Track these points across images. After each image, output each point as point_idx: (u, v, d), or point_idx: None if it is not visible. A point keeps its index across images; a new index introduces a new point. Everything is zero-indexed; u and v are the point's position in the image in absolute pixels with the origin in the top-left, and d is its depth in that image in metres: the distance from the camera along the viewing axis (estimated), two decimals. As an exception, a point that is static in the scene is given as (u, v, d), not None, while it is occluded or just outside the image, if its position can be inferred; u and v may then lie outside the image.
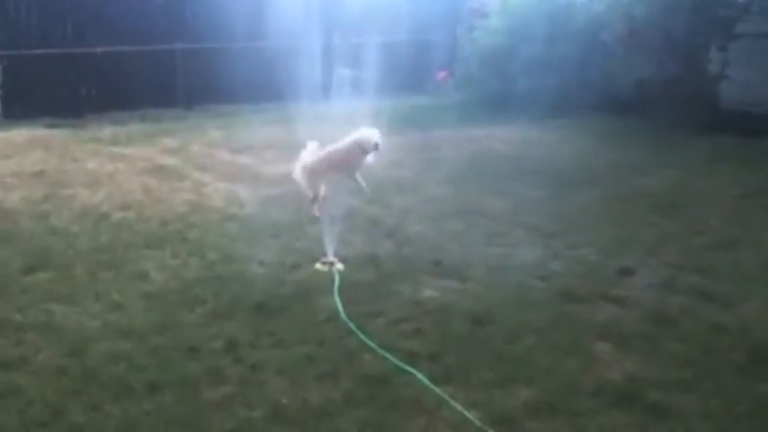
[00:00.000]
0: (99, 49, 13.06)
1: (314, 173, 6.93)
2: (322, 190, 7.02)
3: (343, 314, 5.31)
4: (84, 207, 7.90)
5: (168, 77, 13.77)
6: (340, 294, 5.65)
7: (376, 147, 6.74)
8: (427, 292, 5.74)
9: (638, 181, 9.00)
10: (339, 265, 6.25)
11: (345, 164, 6.91)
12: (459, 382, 4.41)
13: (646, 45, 12.46)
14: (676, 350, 4.80)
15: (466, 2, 16.08)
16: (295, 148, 10.44)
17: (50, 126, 11.91)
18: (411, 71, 15.80)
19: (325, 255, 6.36)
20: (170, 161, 9.96)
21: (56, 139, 11.14)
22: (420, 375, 4.45)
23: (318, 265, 6.27)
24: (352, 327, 5.11)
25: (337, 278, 5.96)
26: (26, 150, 10.43)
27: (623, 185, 8.79)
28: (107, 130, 11.85)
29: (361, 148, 6.77)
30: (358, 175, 6.97)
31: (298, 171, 7.00)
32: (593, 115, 12.75)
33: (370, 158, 6.86)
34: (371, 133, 6.74)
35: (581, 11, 13.57)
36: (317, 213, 7.01)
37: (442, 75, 16.16)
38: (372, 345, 4.84)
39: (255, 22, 14.27)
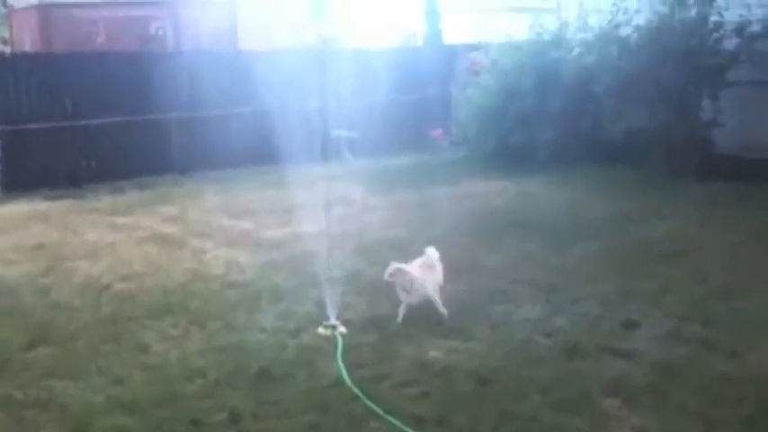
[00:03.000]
0: (95, 121, 13.21)
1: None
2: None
3: (347, 379, 5.27)
4: (86, 279, 7.88)
5: (164, 145, 13.88)
6: (343, 358, 5.62)
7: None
8: (432, 353, 5.71)
9: (635, 231, 9.01)
10: (342, 329, 6.22)
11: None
12: (467, 446, 4.36)
13: (636, 96, 12.61)
14: (685, 403, 4.75)
15: (459, 60, 16.30)
16: (292, 211, 10.59)
17: (50, 198, 11.97)
18: (406, 130, 15.94)
19: (327, 318, 6.35)
20: (169, 229, 9.97)
21: (55, 212, 11.18)
22: (427, 440, 4.40)
23: (321, 329, 6.24)
24: (357, 392, 5.06)
25: (340, 342, 5.93)
26: (26, 224, 10.45)
27: (621, 236, 8.80)
28: (106, 200, 11.90)
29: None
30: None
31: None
32: (586, 166, 12.81)
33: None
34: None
35: (571, 65, 13.75)
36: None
37: (437, 132, 16.31)
38: (378, 410, 4.79)
39: (248, 87, 14.44)
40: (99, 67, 13.31)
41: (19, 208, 11.50)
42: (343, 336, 6.07)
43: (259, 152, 14.14)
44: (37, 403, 5.11)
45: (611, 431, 4.46)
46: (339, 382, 5.25)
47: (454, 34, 18.76)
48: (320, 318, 6.38)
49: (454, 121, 15.97)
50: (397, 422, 4.62)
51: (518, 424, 4.56)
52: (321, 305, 6.62)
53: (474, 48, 15.92)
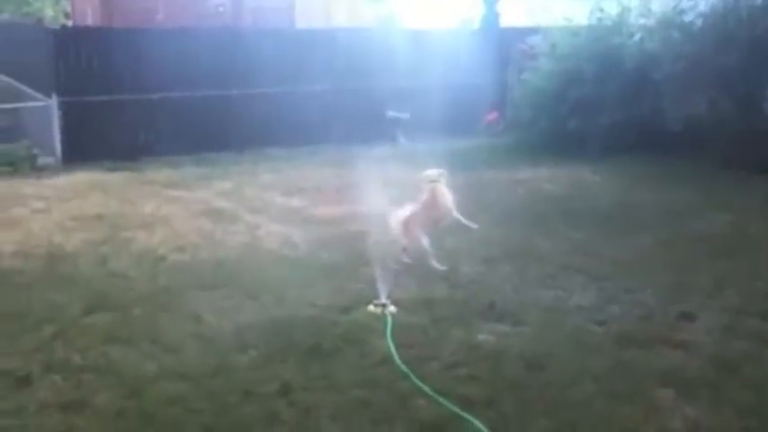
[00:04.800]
0: (155, 95, 13.42)
1: (407, 226, 7.20)
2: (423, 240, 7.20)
3: (396, 358, 5.28)
4: (142, 250, 8.04)
5: (222, 122, 14.03)
6: (393, 337, 5.63)
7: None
8: (481, 336, 5.69)
9: (691, 224, 8.83)
10: (392, 308, 6.23)
11: (431, 218, 7.32)
12: (516, 430, 4.34)
13: (698, 84, 12.32)
14: (740, 397, 4.66)
15: (515, 43, 16.12)
16: (345, 191, 10.64)
17: (109, 170, 12.20)
18: (461, 113, 15.81)
19: (377, 297, 6.37)
20: (224, 204, 10.09)
21: (114, 183, 11.40)
22: (477, 423, 4.39)
23: (371, 308, 6.27)
24: (406, 370, 5.08)
25: (390, 321, 5.95)
26: (85, 194, 10.67)
27: (677, 228, 8.63)
28: (163, 174, 12.09)
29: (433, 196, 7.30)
30: (454, 215, 7.42)
31: (394, 224, 7.27)
32: (643, 155, 12.57)
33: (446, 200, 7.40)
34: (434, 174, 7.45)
35: (632, 50, 13.50)
36: (406, 259, 7.23)
37: (491, 116, 16.18)
38: (427, 389, 4.80)
39: (306, 65, 14.53)
40: (159, 42, 13.43)
41: (78, 178, 11.74)
42: (392, 315, 6.09)
43: (315, 131, 14.25)
44: (94, 368, 5.24)
45: (665, 422, 4.40)
46: (388, 361, 5.27)
47: (511, 18, 18.54)
48: (371, 296, 6.40)
49: (509, 105, 15.83)
50: (445, 402, 4.63)
51: (569, 411, 4.53)
52: (372, 284, 6.65)
53: (531, 32, 15.71)
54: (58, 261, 7.64)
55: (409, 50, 15.40)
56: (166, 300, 6.54)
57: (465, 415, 4.48)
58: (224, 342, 5.65)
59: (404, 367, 5.12)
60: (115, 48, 13.39)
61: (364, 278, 6.90)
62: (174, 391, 4.87)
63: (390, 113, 15.24)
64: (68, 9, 25.13)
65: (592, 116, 13.24)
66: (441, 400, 4.66)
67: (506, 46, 16.26)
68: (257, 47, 14.06)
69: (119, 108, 13.27)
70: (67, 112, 12.93)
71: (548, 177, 11.56)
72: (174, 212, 9.66)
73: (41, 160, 12.65)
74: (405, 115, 14.98)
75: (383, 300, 6.32)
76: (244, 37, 14.90)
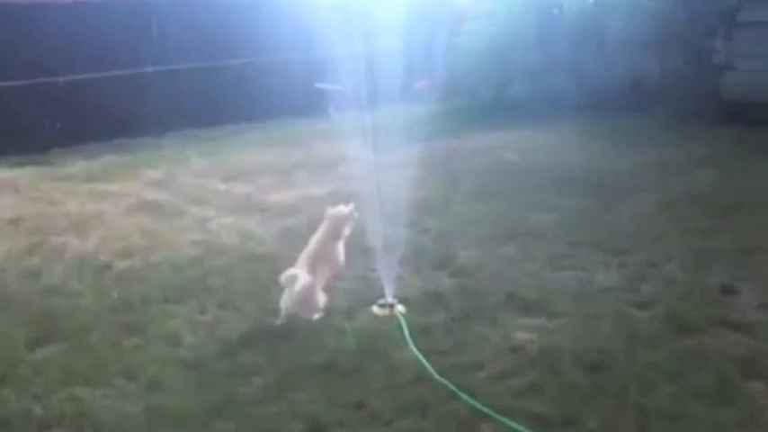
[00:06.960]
0: (61, 79, 11.91)
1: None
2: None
3: (433, 371, 4.44)
4: (79, 257, 6.84)
5: (137, 103, 12.65)
6: (416, 344, 4.78)
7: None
8: (519, 334, 4.91)
9: (678, 182, 8.36)
10: (400, 307, 5.38)
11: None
12: (615, 454, 3.59)
13: (646, 37, 11.89)
14: None
15: (445, 7, 15.31)
16: (292, 172, 9.68)
17: (16, 165, 10.69)
18: (388, 81, 14.93)
19: (380, 296, 5.49)
20: (160, 196, 8.91)
21: (25, 180, 9.95)
22: (567, 450, 3.62)
23: (376, 309, 5.40)
24: (454, 389, 4.24)
25: (404, 324, 5.09)
26: (-8, 195, 9.28)
27: (666, 188, 8.14)
28: (79, 165, 10.71)
29: (333, 235, 5.48)
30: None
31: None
32: (592, 115, 12.00)
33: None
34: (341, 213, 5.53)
35: (574, 5, 12.92)
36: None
37: (423, 83, 15.35)
38: (490, 411, 3.98)
39: (228, 39, 13.33)
40: (61, 19, 11.90)
41: (-20, 177, 10.27)
42: (404, 316, 5.24)
43: (240, 108, 13.19)
44: (62, 419, 4.14)
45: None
46: (423, 376, 4.42)
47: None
48: (370, 295, 5.53)
49: (443, 70, 15.05)
50: (516, 425, 3.82)
51: (664, 424, 3.80)
52: (366, 279, 5.81)
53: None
54: (-22, 281, 6.38)
55: (327, 19, 14.38)
56: (128, 318, 5.45)
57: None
58: (216, 368, 4.66)
59: (450, 385, 4.27)
60: (10, 26, 11.76)
61: (354, 274, 5.99)
62: (176, 442, 3.88)
63: (319, 86, 14.21)
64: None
65: (534, 78, 12.65)
66: (511, 423, 3.85)
67: (435, 6, 15.39)
68: (172, 18, 12.75)
69: (20, 95, 11.69)
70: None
71: (504, 144, 10.86)
72: (103, 210, 8.43)
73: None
74: (336, 87, 13.96)
75: (388, 299, 5.45)
76: (157, 8, 13.43)
